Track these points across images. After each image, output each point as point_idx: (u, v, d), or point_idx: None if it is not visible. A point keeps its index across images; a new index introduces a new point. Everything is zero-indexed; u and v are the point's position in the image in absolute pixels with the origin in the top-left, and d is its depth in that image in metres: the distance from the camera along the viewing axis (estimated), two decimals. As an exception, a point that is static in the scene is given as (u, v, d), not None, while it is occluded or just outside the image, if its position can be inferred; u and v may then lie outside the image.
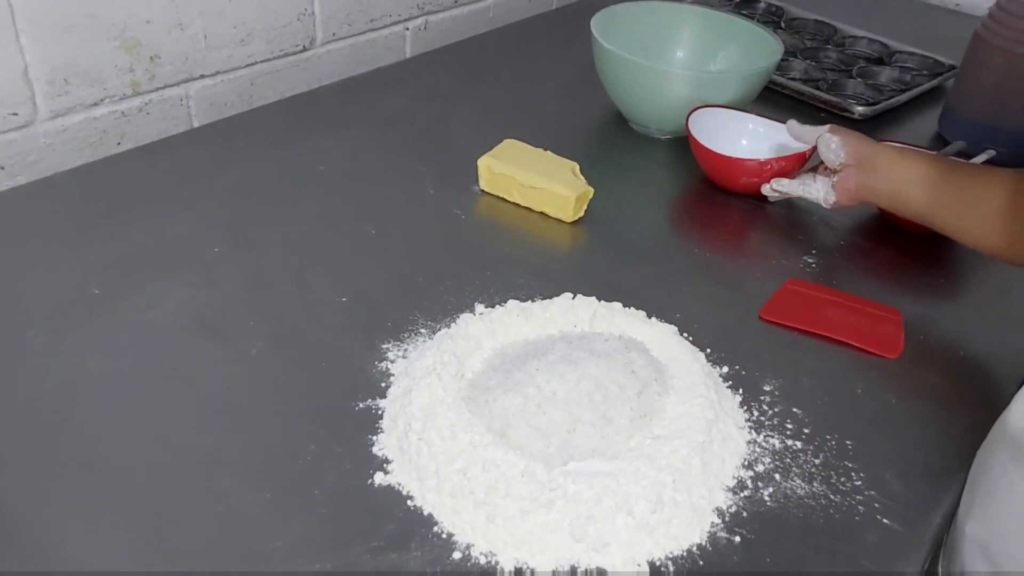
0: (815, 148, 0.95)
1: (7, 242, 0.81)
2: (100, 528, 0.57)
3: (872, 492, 0.64)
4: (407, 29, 1.29)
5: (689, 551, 0.59)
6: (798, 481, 0.65)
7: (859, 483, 0.65)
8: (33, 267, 0.78)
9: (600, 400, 0.65)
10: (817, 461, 0.66)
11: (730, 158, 0.96)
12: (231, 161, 0.96)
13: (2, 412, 0.65)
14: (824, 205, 0.89)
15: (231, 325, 0.74)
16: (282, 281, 0.80)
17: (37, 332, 0.71)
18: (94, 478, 0.60)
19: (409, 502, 0.60)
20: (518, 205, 0.94)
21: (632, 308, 0.77)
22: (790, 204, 0.99)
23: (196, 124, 1.07)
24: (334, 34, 1.18)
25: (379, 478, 0.62)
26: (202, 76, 1.05)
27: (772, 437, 0.68)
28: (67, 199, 0.88)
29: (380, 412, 0.67)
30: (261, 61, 1.11)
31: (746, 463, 0.65)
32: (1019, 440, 0.60)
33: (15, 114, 0.91)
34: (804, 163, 0.96)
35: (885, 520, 0.63)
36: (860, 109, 1.16)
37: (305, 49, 1.16)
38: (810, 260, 0.90)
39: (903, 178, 0.81)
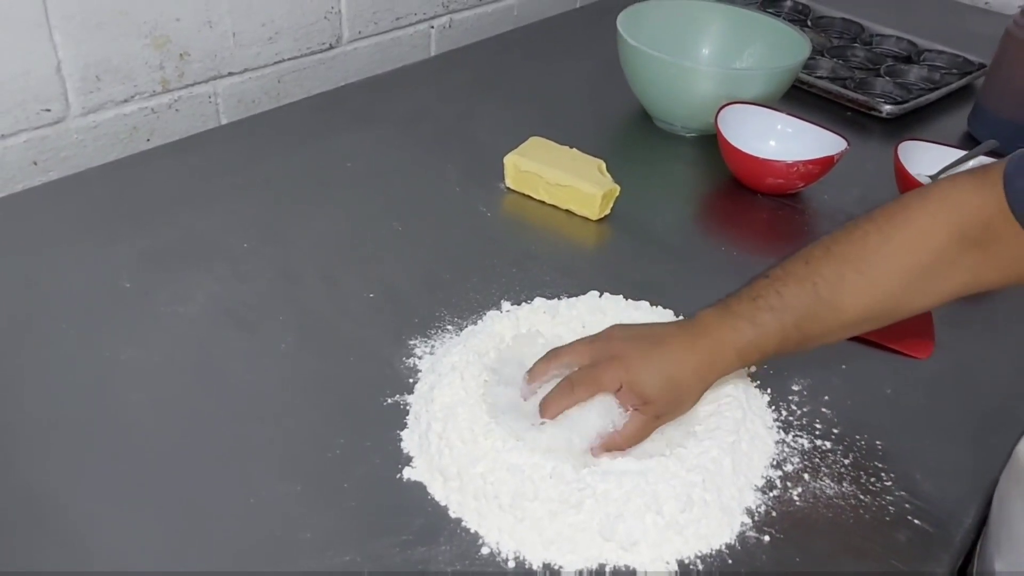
0: (845, 150, 0.95)
1: (40, 237, 0.82)
2: (132, 519, 0.58)
3: (902, 492, 0.64)
4: (432, 27, 1.29)
5: (718, 550, 0.58)
6: (827, 481, 0.64)
7: (889, 483, 0.64)
8: (65, 261, 0.79)
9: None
10: (847, 461, 0.66)
11: (758, 158, 0.96)
12: (259, 158, 0.97)
13: (35, 404, 0.66)
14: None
15: (260, 319, 0.74)
16: (310, 276, 0.80)
17: (69, 325, 0.72)
18: (126, 470, 0.61)
19: (434, 498, 0.60)
20: (544, 203, 0.94)
21: (659, 307, 0.76)
22: (819, 202, 0.98)
23: (224, 121, 1.08)
24: (360, 32, 1.19)
25: (407, 472, 0.62)
26: (230, 74, 1.06)
27: (801, 437, 0.68)
28: (98, 194, 0.89)
29: (407, 407, 0.67)
30: (288, 59, 1.12)
31: (775, 463, 0.65)
32: None
33: (48, 110, 0.92)
34: (832, 166, 0.95)
35: (916, 521, 0.62)
36: (888, 108, 1.15)
37: (332, 47, 1.16)
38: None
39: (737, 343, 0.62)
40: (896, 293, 0.61)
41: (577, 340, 0.66)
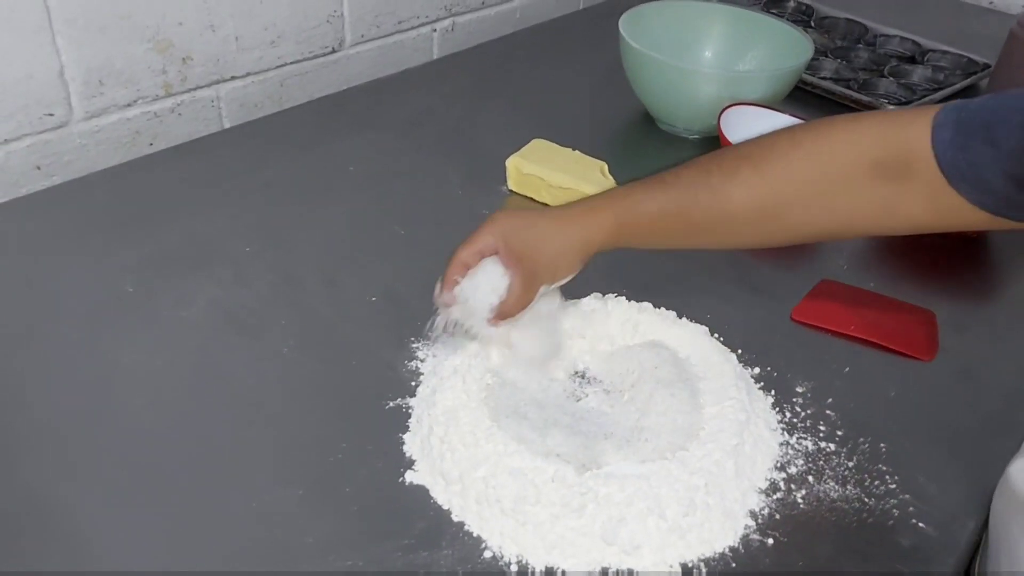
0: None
1: (43, 241, 0.82)
2: (134, 523, 0.58)
3: (906, 496, 0.64)
4: (435, 30, 1.29)
5: (721, 554, 0.58)
6: (831, 484, 0.64)
7: (893, 486, 0.64)
8: (68, 265, 0.80)
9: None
10: (850, 464, 0.66)
11: (760, 158, 0.95)
12: (261, 161, 0.97)
13: (38, 408, 0.66)
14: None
15: (262, 323, 0.74)
16: (312, 280, 0.80)
17: (72, 329, 0.72)
18: (128, 473, 0.61)
19: (437, 502, 0.60)
20: (546, 205, 0.93)
21: (662, 308, 0.76)
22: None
23: (227, 125, 1.08)
24: (363, 36, 1.19)
25: (410, 476, 0.62)
26: (233, 78, 1.06)
27: (805, 439, 0.67)
28: (101, 199, 0.89)
29: (409, 411, 0.67)
30: (291, 62, 1.12)
31: (778, 465, 0.65)
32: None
33: (51, 114, 0.92)
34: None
35: (920, 524, 0.62)
36: (892, 108, 1.15)
37: (334, 51, 1.16)
38: (842, 261, 0.89)
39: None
40: (789, 198, 0.62)
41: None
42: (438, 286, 0.65)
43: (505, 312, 0.64)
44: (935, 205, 0.59)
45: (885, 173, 0.59)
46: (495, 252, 0.64)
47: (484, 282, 0.64)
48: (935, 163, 0.57)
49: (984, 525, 0.65)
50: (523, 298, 0.64)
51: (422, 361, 0.72)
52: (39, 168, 0.93)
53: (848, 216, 0.62)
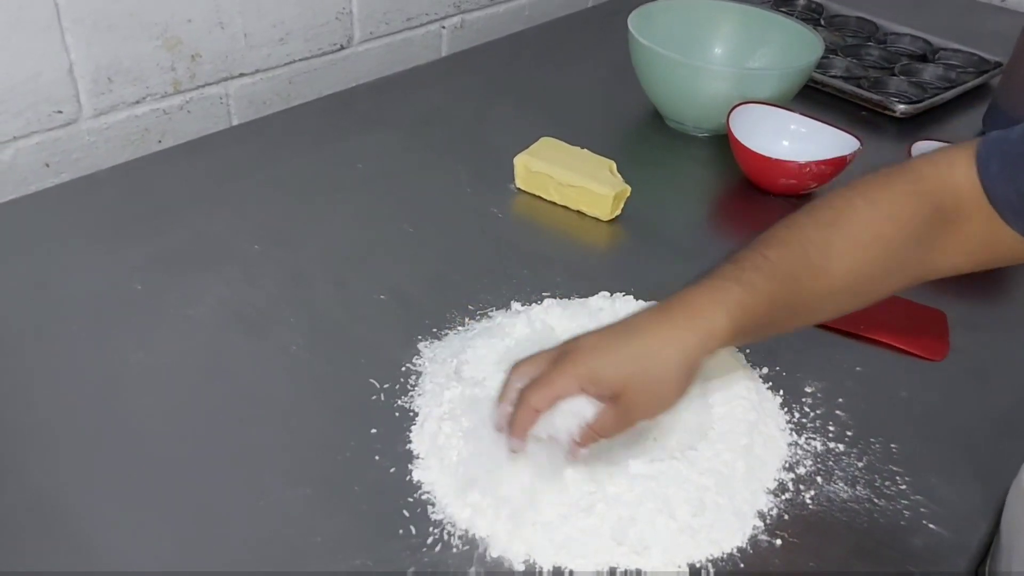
0: (859, 151, 0.94)
1: (51, 238, 0.82)
2: (142, 522, 0.58)
3: (918, 497, 0.63)
4: (443, 28, 1.29)
5: (730, 554, 0.58)
6: (841, 484, 0.64)
7: (904, 487, 0.64)
8: (76, 263, 0.80)
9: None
10: (861, 464, 0.65)
11: (770, 159, 0.95)
12: (270, 159, 0.97)
13: (45, 406, 0.66)
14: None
15: (270, 321, 0.74)
16: (321, 278, 0.80)
17: (80, 327, 0.72)
18: (135, 472, 0.61)
19: (445, 501, 0.60)
20: (555, 203, 0.93)
21: (671, 307, 0.76)
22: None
23: (235, 122, 1.08)
24: (371, 33, 1.19)
25: (418, 475, 0.62)
26: (241, 75, 1.06)
27: (814, 439, 0.67)
28: (109, 196, 0.89)
29: (417, 409, 0.67)
30: (299, 60, 1.12)
31: (788, 465, 0.65)
32: None
33: (60, 112, 0.92)
34: (845, 167, 0.94)
35: (931, 525, 0.61)
36: (902, 107, 1.14)
37: (343, 48, 1.16)
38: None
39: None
40: (880, 261, 0.59)
41: (528, 359, 0.58)
42: (498, 414, 0.57)
43: (588, 438, 0.55)
44: (989, 240, 0.58)
45: (943, 217, 0.58)
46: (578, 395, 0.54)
47: (565, 409, 0.55)
48: (985, 199, 0.57)
49: (996, 526, 0.64)
50: (613, 433, 0.55)
51: (430, 359, 0.72)
52: (48, 165, 0.94)
53: (921, 266, 0.60)
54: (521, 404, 0.54)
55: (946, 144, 0.64)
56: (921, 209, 0.58)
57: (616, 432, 0.56)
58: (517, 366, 0.57)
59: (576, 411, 0.55)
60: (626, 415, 0.54)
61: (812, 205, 0.61)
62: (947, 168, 0.59)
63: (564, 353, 0.55)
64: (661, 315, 0.56)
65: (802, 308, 0.59)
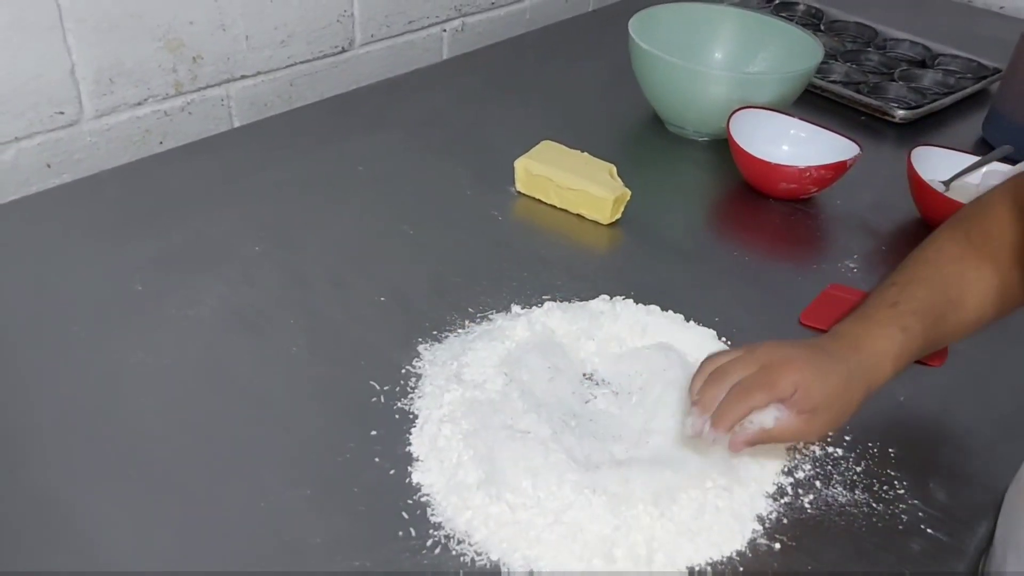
0: (858, 156, 0.94)
1: (52, 239, 0.83)
2: (142, 523, 0.58)
3: (915, 501, 0.63)
4: (444, 31, 1.29)
5: (729, 557, 0.58)
6: (839, 488, 0.64)
7: (902, 491, 0.64)
8: (77, 264, 0.80)
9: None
10: (859, 469, 0.65)
11: (770, 163, 0.95)
12: (271, 161, 0.97)
13: (46, 406, 0.66)
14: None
15: (271, 323, 0.75)
16: (321, 280, 0.80)
17: (81, 327, 0.72)
18: (135, 473, 0.61)
19: (444, 503, 0.60)
20: (555, 207, 0.93)
21: (670, 311, 0.76)
22: (832, 208, 0.98)
23: (236, 124, 1.08)
24: (373, 35, 1.19)
25: (417, 476, 0.62)
26: (243, 76, 1.07)
27: (813, 444, 0.67)
28: (111, 197, 0.89)
29: (417, 411, 0.67)
30: (301, 62, 1.12)
31: (786, 469, 0.65)
32: None
33: (61, 113, 0.92)
34: (844, 172, 0.94)
35: (929, 529, 0.61)
36: (901, 113, 1.14)
37: (344, 50, 1.17)
38: (852, 264, 0.89)
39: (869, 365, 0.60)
40: (1008, 287, 0.64)
41: (724, 354, 0.61)
42: (696, 413, 0.58)
43: (764, 439, 0.58)
44: None
45: None
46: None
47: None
48: None
49: (993, 530, 0.64)
50: (793, 439, 0.61)
51: (430, 361, 0.72)
52: (49, 166, 0.94)
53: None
54: (739, 395, 0.57)
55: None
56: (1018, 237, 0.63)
57: (793, 440, 0.62)
58: (722, 371, 0.59)
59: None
60: (811, 429, 0.59)
61: (936, 237, 0.67)
62: None
63: (782, 360, 0.59)
64: (847, 352, 0.61)
65: (942, 342, 0.65)
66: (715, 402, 0.58)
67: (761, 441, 0.59)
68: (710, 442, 0.58)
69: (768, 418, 0.58)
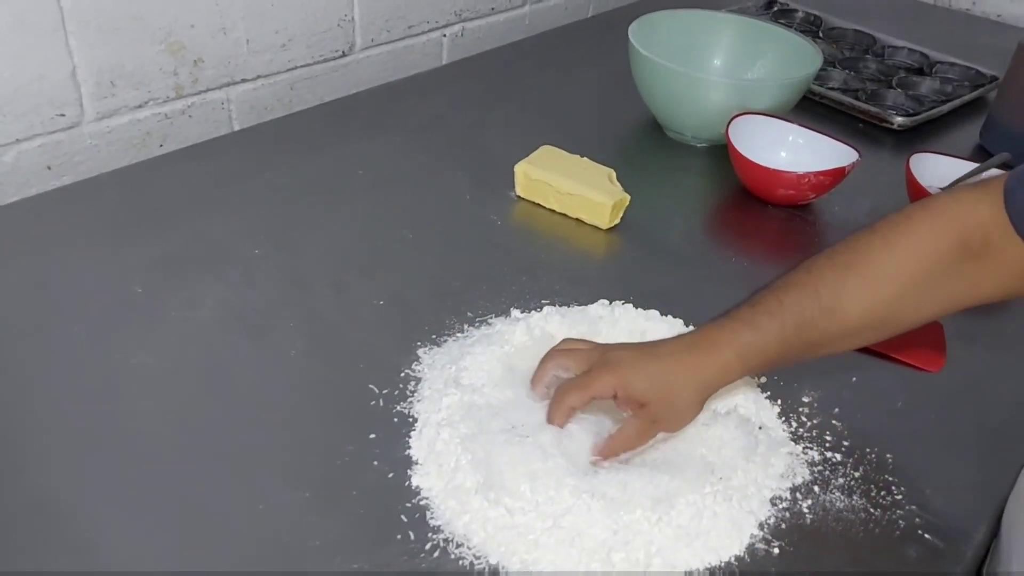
0: (857, 162, 0.95)
1: (53, 241, 0.83)
2: (141, 525, 0.58)
3: (913, 507, 0.63)
4: (444, 36, 1.30)
5: (727, 562, 0.58)
6: (837, 494, 0.64)
7: (900, 497, 0.64)
8: (78, 266, 0.80)
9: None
10: (857, 474, 0.66)
11: (769, 169, 0.96)
12: (271, 164, 0.97)
13: (46, 407, 0.66)
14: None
15: (270, 326, 0.75)
16: (320, 283, 0.80)
17: (81, 329, 0.73)
18: (134, 475, 0.61)
19: (443, 507, 0.60)
20: (554, 211, 0.94)
21: (669, 316, 0.76)
22: (830, 214, 0.98)
23: (237, 127, 1.08)
24: (373, 40, 1.19)
25: (416, 480, 0.62)
26: (243, 80, 1.07)
27: (811, 449, 0.67)
28: (111, 200, 0.89)
29: (416, 414, 0.67)
30: (301, 66, 1.12)
31: (784, 475, 0.65)
32: None
33: (62, 115, 0.92)
34: (843, 178, 0.95)
35: (926, 535, 0.62)
36: (899, 120, 1.15)
37: (344, 55, 1.17)
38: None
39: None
40: (896, 300, 0.61)
41: (573, 341, 0.66)
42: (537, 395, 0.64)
43: (611, 451, 0.62)
44: (1020, 271, 0.59)
45: (969, 254, 0.60)
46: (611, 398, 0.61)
47: (591, 418, 0.63)
48: (1012, 231, 0.58)
49: (992, 534, 0.65)
50: (635, 443, 0.62)
51: (429, 365, 0.72)
52: (50, 168, 0.94)
53: (946, 301, 0.62)
54: (558, 398, 0.62)
55: (976, 179, 0.66)
56: (943, 245, 0.60)
57: (637, 443, 0.62)
58: (552, 353, 0.64)
59: (595, 426, 0.62)
60: (648, 425, 0.62)
61: (833, 248, 0.64)
62: (972, 204, 0.60)
63: (603, 362, 0.61)
64: (681, 345, 0.63)
65: (819, 345, 0.63)
66: (543, 378, 0.63)
67: (614, 450, 0.61)
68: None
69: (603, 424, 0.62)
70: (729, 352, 0.61)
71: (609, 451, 0.62)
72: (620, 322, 0.75)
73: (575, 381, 0.62)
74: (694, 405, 0.62)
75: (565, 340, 0.67)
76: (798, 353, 0.62)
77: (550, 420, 0.62)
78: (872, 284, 0.61)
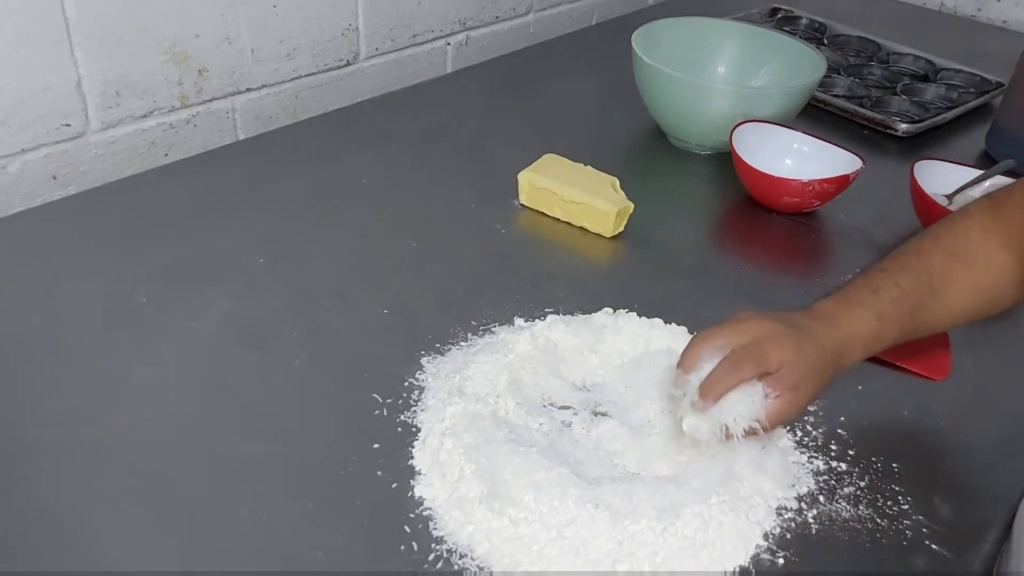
0: (861, 169, 0.94)
1: (57, 250, 0.83)
2: (144, 535, 0.58)
3: (920, 517, 0.63)
4: (448, 44, 1.30)
5: (732, 572, 0.58)
6: (843, 504, 0.63)
7: (906, 507, 0.64)
8: (82, 275, 0.80)
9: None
10: (863, 484, 0.65)
11: (773, 177, 0.95)
12: (275, 173, 0.97)
13: (50, 417, 0.66)
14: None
15: (274, 335, 0.75)
16: (325, 292, 0.80)
17: (85, 339, 0.73)
18: (139, 484, 0.61)
19: (447, 517, 0.60)
20: (558, 219, 0.94)
21: (673, 324, 0.76)
22: (834, 221, 0.98)
23: (241, 137, 1.09)
24: (377, 49, 1.20)
25: (419, 490, 0.62)
26: (248, 90, 1.07)
27: (816, 458, 0.67)
28: (116, 209, 0.90)
29: (420, 424, 0.67)
30: (306, 75, 1.13)
31: (790, 484, 0.64)
32: None
33: (68, 125, 0.93)
34: (847, 185, 0.94)
35: (933, 546, 0.61)
36: (904, 127, 1.15)
37: (349, 64, 1.17)
38: (854, 278, 0.88)
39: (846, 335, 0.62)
40: (995, 287, 0.66)
41: (714, 328, 0.62)
42: (679, 373, 0.61)
43: (755, 431, 0.59)
44: None
45: None
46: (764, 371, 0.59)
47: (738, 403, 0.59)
48: None
49: (999, 548, 0.64)
50: (787, 416, 0.61)
51: (433, 375, 0.72)
52: (55, 178, 0.94)
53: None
54: (728, 367, 0.59)
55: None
56: None
57: (788, 418, 0.61)
58: (706, 335, 0.61)
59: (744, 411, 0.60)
60: (793, 407, 0.60)
61: (935, 229, 0.68)
62: None
63: (770, 334, 0.60)
64: (824, 330, 0.62)
65: (923, 331, 0.66)
66: (697, 362, 0.60)
67: (753, 433, 0.60)
68: (706, 434, 0.59)
69: (756, 399, 0.59)
70: (859, 344, 0.63)
71: (750, 433, 0.59)
72: (624, 330, 0.75)
73: (747, 352, 0.59)
74: (821, 394, 0.63)
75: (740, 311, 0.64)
76: (908, 337, 0.65)
77: (708, 394, 0.58)
78: (975, 273, 0.65)
